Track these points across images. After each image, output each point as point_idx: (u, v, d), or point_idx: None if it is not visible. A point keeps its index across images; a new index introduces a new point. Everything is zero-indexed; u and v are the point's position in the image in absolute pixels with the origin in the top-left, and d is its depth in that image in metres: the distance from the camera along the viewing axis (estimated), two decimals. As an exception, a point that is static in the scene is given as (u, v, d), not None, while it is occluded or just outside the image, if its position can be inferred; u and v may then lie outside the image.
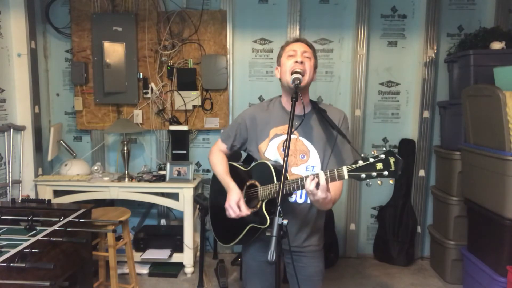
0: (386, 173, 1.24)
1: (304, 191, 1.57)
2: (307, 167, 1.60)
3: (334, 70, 3.41)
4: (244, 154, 1.86)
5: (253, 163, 1.68)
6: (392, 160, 1.24)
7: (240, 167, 1.74)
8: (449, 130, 3.16)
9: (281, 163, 1.55)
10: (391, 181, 1.28)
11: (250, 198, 1.64)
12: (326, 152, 1.61)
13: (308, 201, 1.60)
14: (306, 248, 1.66)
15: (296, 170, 1.59)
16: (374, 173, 1.26)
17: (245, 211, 1.54)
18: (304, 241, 1.65)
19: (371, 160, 1.27)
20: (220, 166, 1.73)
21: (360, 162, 1.28)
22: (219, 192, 1.73)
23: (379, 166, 1.26)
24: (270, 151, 1.63)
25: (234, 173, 1.71)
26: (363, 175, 1.28)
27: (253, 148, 1.70)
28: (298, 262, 1.66)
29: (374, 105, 3.44)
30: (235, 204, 1.55)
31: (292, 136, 1.59)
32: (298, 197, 1.61)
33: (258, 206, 1.57)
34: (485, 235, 2.58)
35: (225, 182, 1.67)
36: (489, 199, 2.50)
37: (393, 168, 1.24)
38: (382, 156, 1.26)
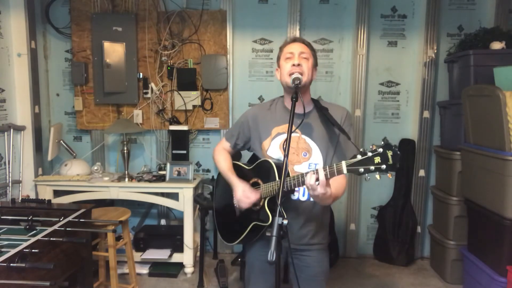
0: (384, 166, 1.24)
1: (306, 189, 1.57)
2: (310, 164, 1.60)
3: (334, 70, 3.41)
4: (245, 156, 1.86)
5: (257, 162, 1.69)
6: (390, 153, 1.24)
7: (244, 165, 1.76)
8: (449, 130, 3.16)
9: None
10: (389, 176, 1.27)
11: None
12: (328, 150, 1.61)
13: (312, 199, 1.60)
14: (312, 246, 1.65)
15: (298, 168, 1.60)
16: (372, 167, 1.26)
17: (255, 195, 1.56)
18: (310, 238, 1.64)
19: (369, 154, 1.27)
20: (223, 163, 1.76)
21: (359, 157, 1.29)
22: (224, 191, 1.75)
23: (377, 160, 1.26)
24: (273, 149, 1.65)
25: (238, 171, 1.73)
26: (361, 170, 1.28)
27: (257, 147, 1.72)
28: (302, 262, 1.65)
29: (374, 105, 3.44)
30: (243, 195, 1.57)
31: (294, 134, 1.61)
32: (300, 195, 1.61)
33: (261, 204, 1.58)
34: (485, 235, 2.58)
35: (229, 178, 1.70)
36: (489, 199, 2.50)
37: (390, 161, 1.24)
38: (380, 150, 1.26)
